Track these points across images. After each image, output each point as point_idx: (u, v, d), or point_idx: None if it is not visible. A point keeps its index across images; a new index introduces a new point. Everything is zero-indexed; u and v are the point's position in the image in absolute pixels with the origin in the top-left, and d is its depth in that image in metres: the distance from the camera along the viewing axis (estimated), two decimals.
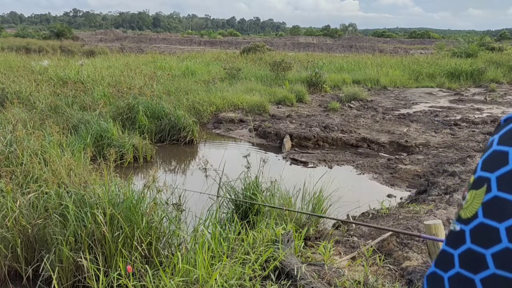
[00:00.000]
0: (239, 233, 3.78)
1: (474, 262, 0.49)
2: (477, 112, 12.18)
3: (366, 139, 8.71)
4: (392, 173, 6.90)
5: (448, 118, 11.03)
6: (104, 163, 4.38)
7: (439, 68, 19.39)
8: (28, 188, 4.00)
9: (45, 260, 3.38)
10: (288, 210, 4.21)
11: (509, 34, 66.55)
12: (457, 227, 0.53)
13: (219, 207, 4.37)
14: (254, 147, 8.58)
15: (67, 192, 3.91)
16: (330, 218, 4.37)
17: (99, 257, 3.38)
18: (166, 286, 2.94)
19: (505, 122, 0.54)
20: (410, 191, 6.24)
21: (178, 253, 3.22)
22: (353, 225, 4.60)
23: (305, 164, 7.44)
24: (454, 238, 0.53)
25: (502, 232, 0.47)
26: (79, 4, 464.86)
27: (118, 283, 3.14)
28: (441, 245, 2.58)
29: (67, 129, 7.13)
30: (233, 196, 4.71)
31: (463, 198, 0.54)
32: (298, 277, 3.15)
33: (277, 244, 3.50)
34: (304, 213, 4.36)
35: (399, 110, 12.26)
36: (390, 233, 4.12)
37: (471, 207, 0.51)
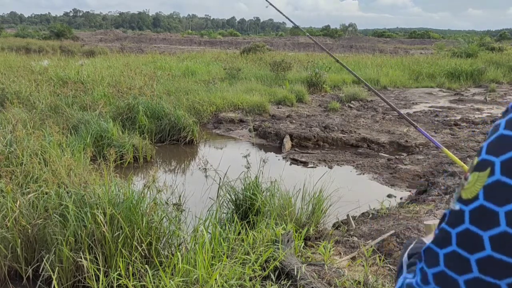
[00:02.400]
0: (239, 233, 3.78)
1: (471, 242, 0.51)
2: (477, 112, 12.18)
3: (366, 139, 8.71)
4: (392, 173, 6.90)
5: (448, 118, 11.02)
6: (104, 163, 4.38)
7: (439, 68, 19.39)
8: (28, 188, 4.00)
9: (45, 260, 3.38)
10: None
11: (509, 34, 66.55)
12: (457, 207, 0.54)
13: (219, 207, 4.37)
14: (254, 147, 8.58)
15: (67, 192, 3.91)
16: None
17: (99, 257, 3.38)
18: (166, 286, 2.94)
19: None
20: (410, 191, 6.24)
21: (178, 253, 3.22)
22: (353, 225, 4.60)
23: (305, 164, 7.44)
24: (453, 218, 0.54)
25: (501, 216, 0.48)
26: (78, 4, 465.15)
27: (118, 283, 3.14)
28: None
29: (67, 129, 7.13)
30: (233, 197, 4.71)
31: (465, 179, 0.55)
32: (298, 277, 3.15)
33: (277, 244, 3.50)
34: None
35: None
36: (390, 233, 4.12)
37: (472, 189, 0.52)
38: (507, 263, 0.48)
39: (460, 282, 0.52)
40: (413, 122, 1.43)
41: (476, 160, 0.54)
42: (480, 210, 0.50)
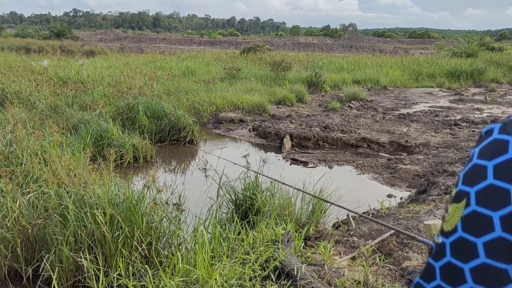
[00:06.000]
0: (239, 233, 3.78)
1: (453, 275, 0.50)
2: (477, 112, 12.18)
3: (366, 139, 8.71)
4: (392, 173, 6.89)
5: (448, 118, 11.03)
6: (104, 163, 4.38)
7: (439, 68, 19.40)
8: (28, 188, 4.00)
9: (45, 260, 3.38)
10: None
11: (509, 34, 66.60)
12: (440, 240, 0.53)
13: (219, 207, 4.37)
14: (254, 147, 8.58)
15: (67, 192, 3.91)
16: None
17: (99, 257, 3.38)
18: (166, 286, 2.94)
19: (486, 134, 0.54)
20: (410, 191, 6.24)
21: (178, 253, 3.22)
22: (353, 225, 4.60)
23: (305, 164, 7.44)
24: (437, 251, 0.53)
25: (479, 247, 0.47)
26: (78, 4, 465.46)
27: (118, 283, 3.14)
28: None
29: (67, 129, 7.13)
30: (233, 196, 4.70)
31: (446, 210, 0.55)
32: (298, 277, 3.15)
33: (277, 244, 3.50)
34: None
35: (399, 110, 12.26)
36: (390, 233, 4.12)
37: (451, 221, 0.52)
38: None
39: None
40: None
41: (454, 191, 0.54)
42: (459, 242, 0.50)
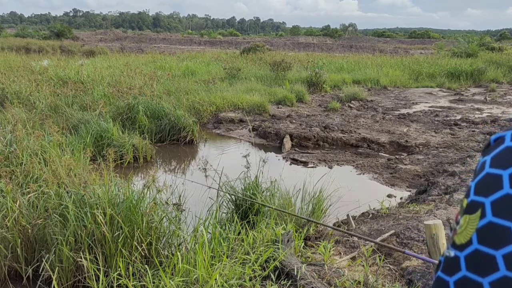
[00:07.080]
0: (239, 233, 3.78)
1: None
2: (477, 112, 12.18)
3: (366, 139, 8.71)
4: (392, 173, 6.90)
5: (448, 118, 11.03)
6: (104, 163, 4.38)
7: (439, 68, 19.40)
8: (28, 188, 4.00)
9: (45, 260, 3.38)
10: (287, 212, 4.20)
11: (509, 34, 66.64)
12: (452, 253, 0.50)
13: (219, 207, 4.37)
14: (254, 147, 8.58)
15: (67, 192, 3.91)
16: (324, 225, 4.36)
17: (99, 257, 3.38)
18: (166, 286, 2.94)
19: (495, 142, 0.52)
20: (410, 191, 6.24)
21: (178, 253, 3.22)
22: (353, 225, 4.60)
23: (305, 164, 7.44)
24: (449, 265, 0.50)
25: (499, 260, 0.45)
26: (78, 4, 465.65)
27: (118, 283, 3.14)
28: (441, 246, 2.57)
29: (67, 129, 7.13)
30: (233, 197, 4.70)
31: (457, 222, 0.52)
32: (298, 277, 3.15)
33: (277, 244, 3.50)
34: (302, 217, 4.35)
35: (399, 110, 12.26)
36: (390, 233, 4.12)
37: (465, 233, 0.49)
38: None
39: None
40: None
41: (465, 202, 0.51)
42: (475, 255, 0.47)
